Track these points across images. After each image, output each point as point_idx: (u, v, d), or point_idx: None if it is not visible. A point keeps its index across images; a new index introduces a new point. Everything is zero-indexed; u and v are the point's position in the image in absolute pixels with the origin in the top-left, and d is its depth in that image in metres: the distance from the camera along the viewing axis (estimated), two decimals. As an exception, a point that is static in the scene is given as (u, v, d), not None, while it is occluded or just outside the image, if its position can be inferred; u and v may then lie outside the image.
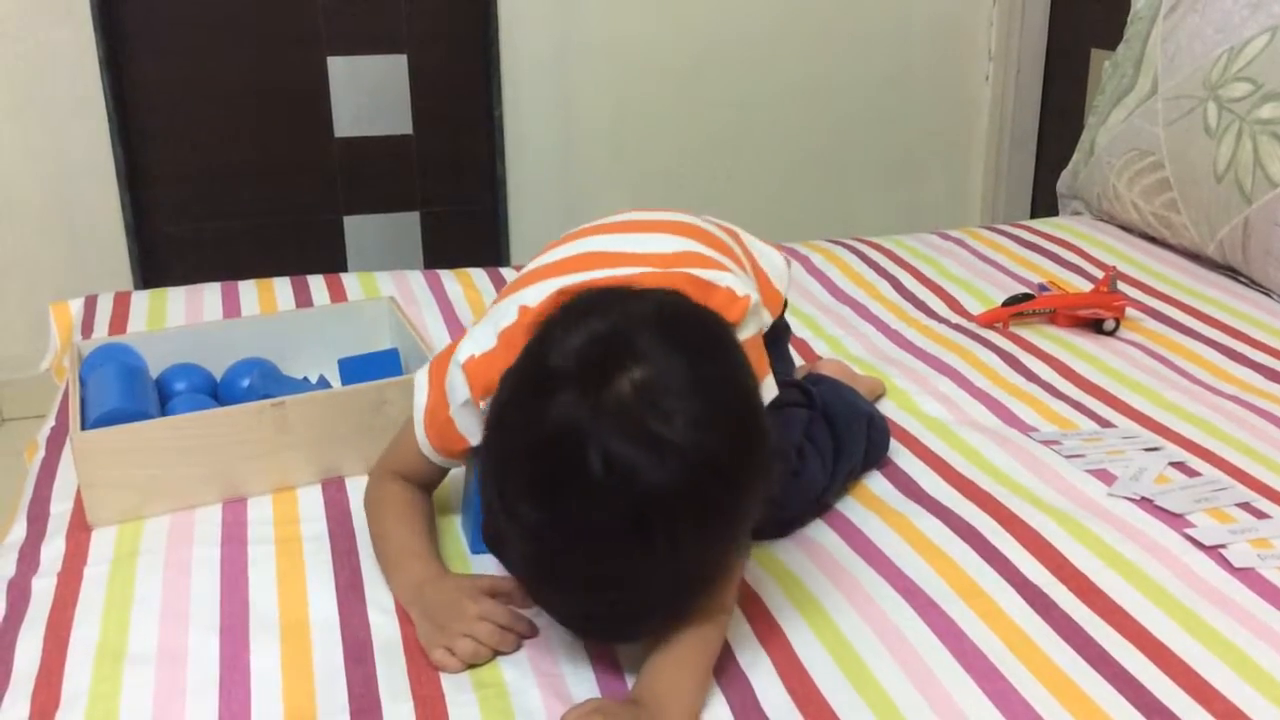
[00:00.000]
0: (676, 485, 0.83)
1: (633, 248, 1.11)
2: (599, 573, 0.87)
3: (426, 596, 1.01)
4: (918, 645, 0.98)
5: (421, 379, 1.11)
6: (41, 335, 2.58)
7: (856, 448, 1.26)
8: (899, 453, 1.30)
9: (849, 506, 1.20)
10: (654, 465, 0.82)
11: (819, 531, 1.16)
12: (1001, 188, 3.15)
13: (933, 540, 1.11)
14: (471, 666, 0.96)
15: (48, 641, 1.00)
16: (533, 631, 1.00)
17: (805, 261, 1.90)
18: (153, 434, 1.17)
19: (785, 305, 1.32)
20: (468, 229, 2.96)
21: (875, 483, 1.24)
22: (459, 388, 1.04)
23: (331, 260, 2.88)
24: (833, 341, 1.61)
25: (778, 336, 1.27)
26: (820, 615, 1.02)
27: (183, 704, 0.92)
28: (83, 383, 1.27)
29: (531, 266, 1.18)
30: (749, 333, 1.05)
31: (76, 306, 1.74)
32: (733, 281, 1.06)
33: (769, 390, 1.06)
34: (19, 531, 1.18)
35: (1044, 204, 3.07)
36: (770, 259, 1.31)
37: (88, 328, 1.66)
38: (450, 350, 1.08)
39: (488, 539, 1.00)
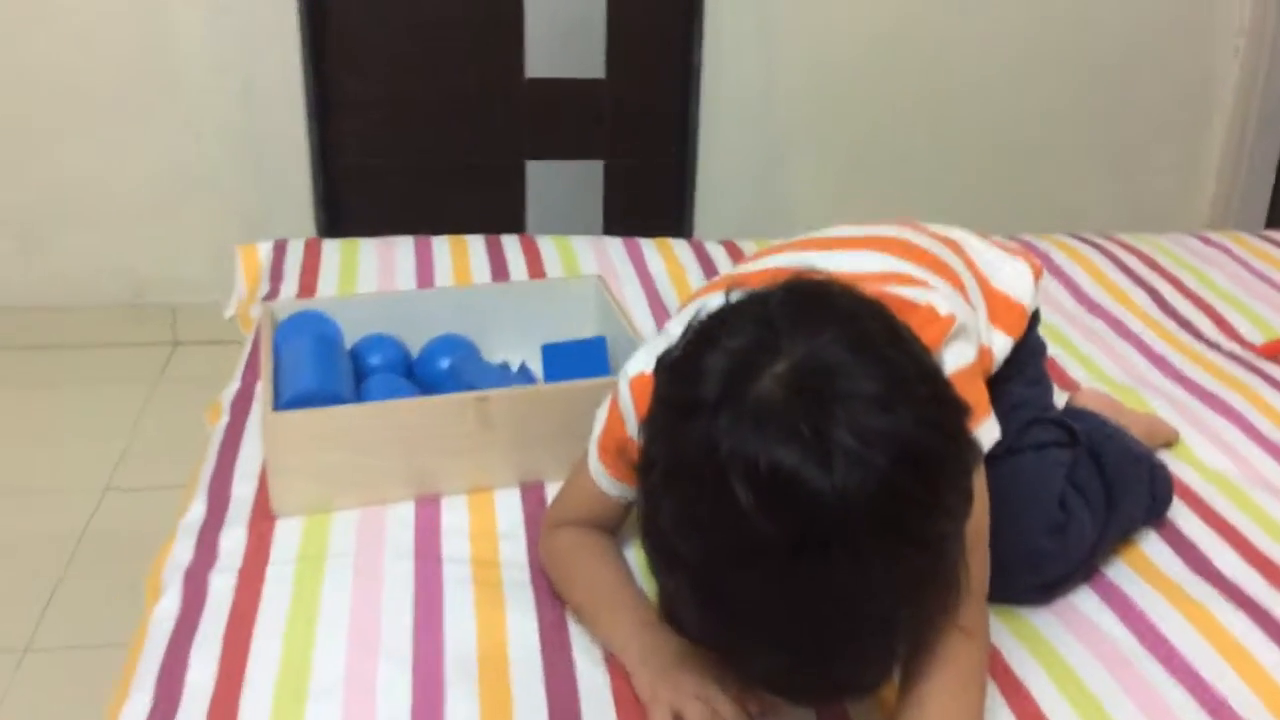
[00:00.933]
0: (846, 489, 0.68)
1: (834, 266, 0.95)
2: (776, 611, 0.72)
3: (648, 643, 0.88)
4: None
5: (602, 409, 0.97)
6: (219, 261, 2.54)
7: (1135, 501, 1.08)
8: (1180, 514, 1.11)
9: (1126, 579, 1.02)
10: (812, 470, 0.68)
11: (1091, 607, 0.99)
12: (1239, 182, 2.85)
13: (1240, 642, 0.93)
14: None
15: (225, 659, 0.90)
16: (764, 709, 0.86)
17: (1044, 258, 1.69)
18: (349, 420, 1.06)
19: (1035, 321, 1.14)
20: (653, 183, 2.82)
21: (1155, 551, 1.06)
22: (629, 407, 0.90)
23: (511, 204, 2.78)
24: (1084, 360, 1.42)
25: (1025, 359, 1.09)
26: (1093, 706, 0.85)
27: (371, 755, 0.82)
28: (276, 352, 1.17)
29: (728, 273, 1.03)
30: (956, 361, 0.89)
31: (265, 251, 1.66)
32: (936, 299, 0.91)
33: (988, 434, 0.89)
34: (198, 511, 1.10)
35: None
36: (1007, 270, 1.12)
37: (276, 276, 1.57)
38: None
39: (662, 606, 0.84)
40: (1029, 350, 1.09)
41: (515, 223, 2.81)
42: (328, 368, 1.12)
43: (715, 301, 0.82)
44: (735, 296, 0.80)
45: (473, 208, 2.78)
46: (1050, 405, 1.12)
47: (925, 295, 0.93)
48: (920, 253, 1.04)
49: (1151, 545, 1.07)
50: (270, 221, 2.57)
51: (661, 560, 0.78)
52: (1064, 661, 0.92)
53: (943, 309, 0.91)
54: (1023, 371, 1.07)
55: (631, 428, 0.91)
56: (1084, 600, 1.00)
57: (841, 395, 0.70)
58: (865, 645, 0.74)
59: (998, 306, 1.07)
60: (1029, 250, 1.18)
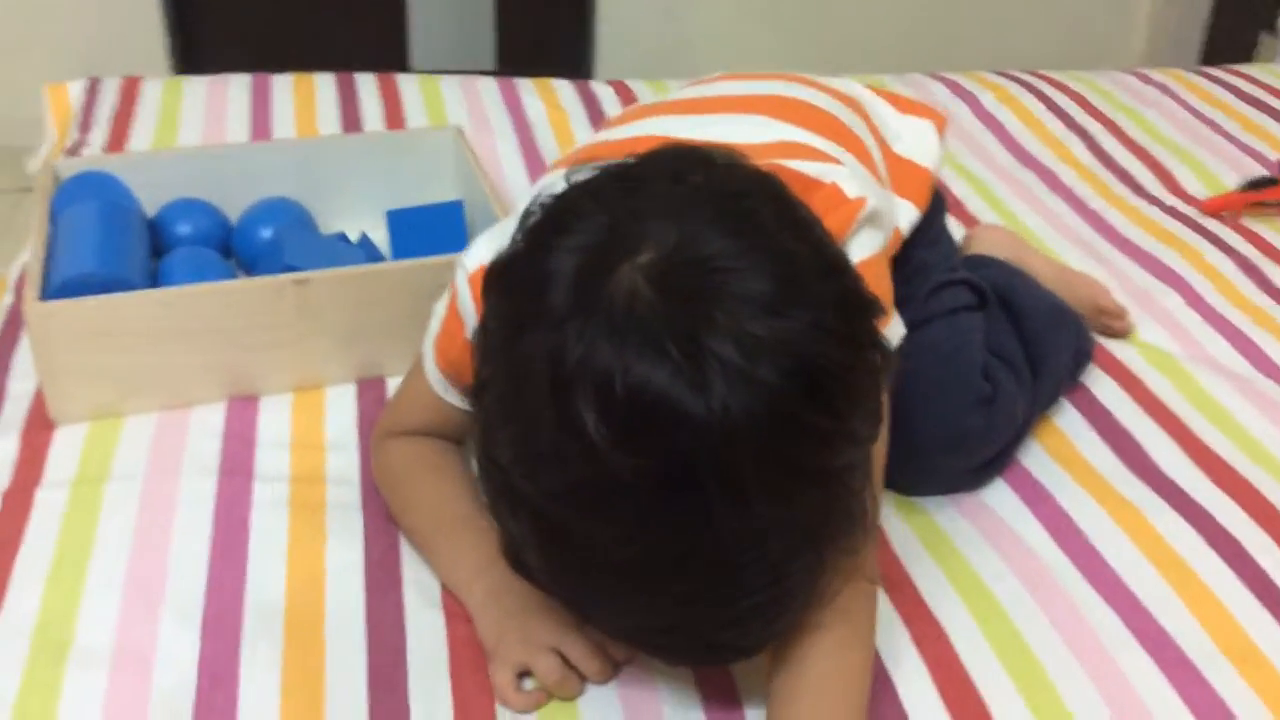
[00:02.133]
0: (726, 413, 0.53)
1: (715, 134, 0.76)
2: (639, 562, 0.58)
3: (495, 582, 0.72)
4: (1168, 726, 0.69)
5: (441, 301, 0.80)
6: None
7: (1059, 358, 0.95)
8: (1114, 397, 0.98)
9: (1051, 476, 0.89)
10: (682, 391, 0.53)
11: (1010, 509, 0.86)
12: (1173, 14, 2.68)
13: (1186, 560, 0.81)
14: (548, 701, 0.69)
15: (-28, 612, 0.73)
16: (630, 658, 0.72)
17: (972, 101, 1.52)
18: (138, 310, 0.87)
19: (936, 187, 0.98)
20: (551, 12, 2.58)
21: (1085, 441, 0.93)
22: (468, 307, 0.74)
23: (393, 36, 2.52)
24: (1009, 217, 1.26)
25: (927, 219, 0.94)
26: (1024, 656, 0.73)
27: (140, 737, 0.66)
28: (53, 223, 0.97)
29: (586, 142, 0.85)
30: (863, 251, 0.74)
31: (76, 91, 1.43)
32: (842, 177, 0.75)
33: (893, 333, 0.75)
34: (-34, 415, 0.91)
35: (1224, 39, 2.61)
36: (915, 137, 0.97)
37: (86, 123, 1.35)
38: None
39: (506, 551, 0.68)
40: (931, 209, 0.93)
41: (397, 58, 2.56)
42: (111, 243, 0.92)
43: (561, 182, 0.64)
44: (580, 176, 0.62)
45: (349, 41, 2.52)
46: (955, 264, 0.97)
47: (830, 172, 0.76)
48: (820, 117, 0.87)
49: (1080, 433, 0.93)
50: (119, 55, 2.31)
51: (501, 500, 0.63)
52: (977, 576, 0.79)
53: (850, 190, 0.74)
54: (924, 232, 0.92)
55: (471, 330, 0.74)
56: (1002, 501, 0.87)
57: (721, 294, 0.55)
58: (751, 601, 0.60)
59: (903, 173, 0.92)
60: (931, 105, 1.01)
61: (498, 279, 0.63)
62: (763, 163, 0.64)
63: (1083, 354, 1.00)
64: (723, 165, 0.63)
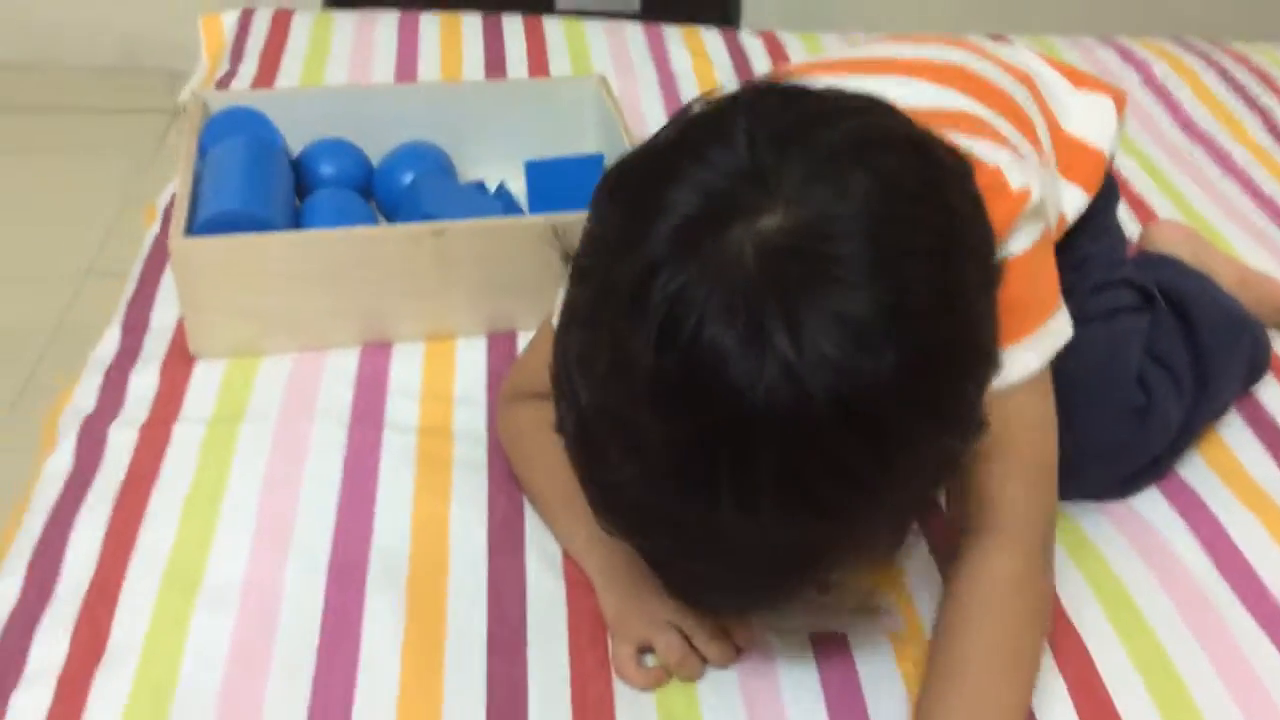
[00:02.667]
0: (770, 404, 0.51)
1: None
2: (644, 506, 0.58)
3: (612, 555, 0.71)
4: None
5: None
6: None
7: (1230, 373, 0.89)
8: (1275, 399, 0.91)
9: (1207, 483, 0.84)
10: (741, 364, 0.51)
11: (1162, 518, 0.81)
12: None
13: (1355, 592, 0.75)
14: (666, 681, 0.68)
15: (109, 541, 0.75)
16: (752, 641, 0.70)
17: (1146, 72, 1.43)
18: (279, 251, 0.88)
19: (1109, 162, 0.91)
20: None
21: (1243, 447, 0.87)
22: None
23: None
24: (1175, 197, 1.19)
25: (1095, 208, 0.87)
26: (1160, 664, 0.69)
27: (263, 681, 0.67)
28: (200, 158, 0.98)
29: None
30: (1021, 243, 0.69)
31: (230, 22, 1.44)
32: (1006, 162, 0.69)
33: (1057, 333, 0.71)
34: (110, 343, 0.93)
35: None
36: (1090, 116, 0.89)
37: (237, 55, 1.36)
38: None
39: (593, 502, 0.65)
40: (1100, 196, 0.87)
41: (544, -4, 2.54)
42: (257, 181, 0.93)
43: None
44: (747, 97, 0.59)
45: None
46: (1122, 259, 0.91)
47: (993, 153, 0.70)
48: (986, 87, 0.81)
49: (1244, 444, 0.88)
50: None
51: (560, 396, 0.61)
52: (1122, 587, 0.75)
53: (1015, 179, 0.69)
54: (1091, 221, 0.86)
55: None
56: (1153, 509, 0.82)
57: (818, 299, 0.52)
58: (757, 581, 0.61)
59: (1072, 155, 0.85)
60: (1108, 81, 0.94)
61: (619, 182, 0.60)
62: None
63: (1258, 367, 0.93)
64: (904, 155, 0.58)
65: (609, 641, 0.70)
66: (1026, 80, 0.88)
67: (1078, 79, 0.92)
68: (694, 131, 0.59)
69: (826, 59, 0.91)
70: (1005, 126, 0.78)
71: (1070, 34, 1.52)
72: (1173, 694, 0.68)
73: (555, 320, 0.77)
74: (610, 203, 0.60)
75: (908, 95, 0.74)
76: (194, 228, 0.88)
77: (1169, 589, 0.75)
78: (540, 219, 0.92)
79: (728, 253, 0.53)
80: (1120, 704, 0.68)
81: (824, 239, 0.53)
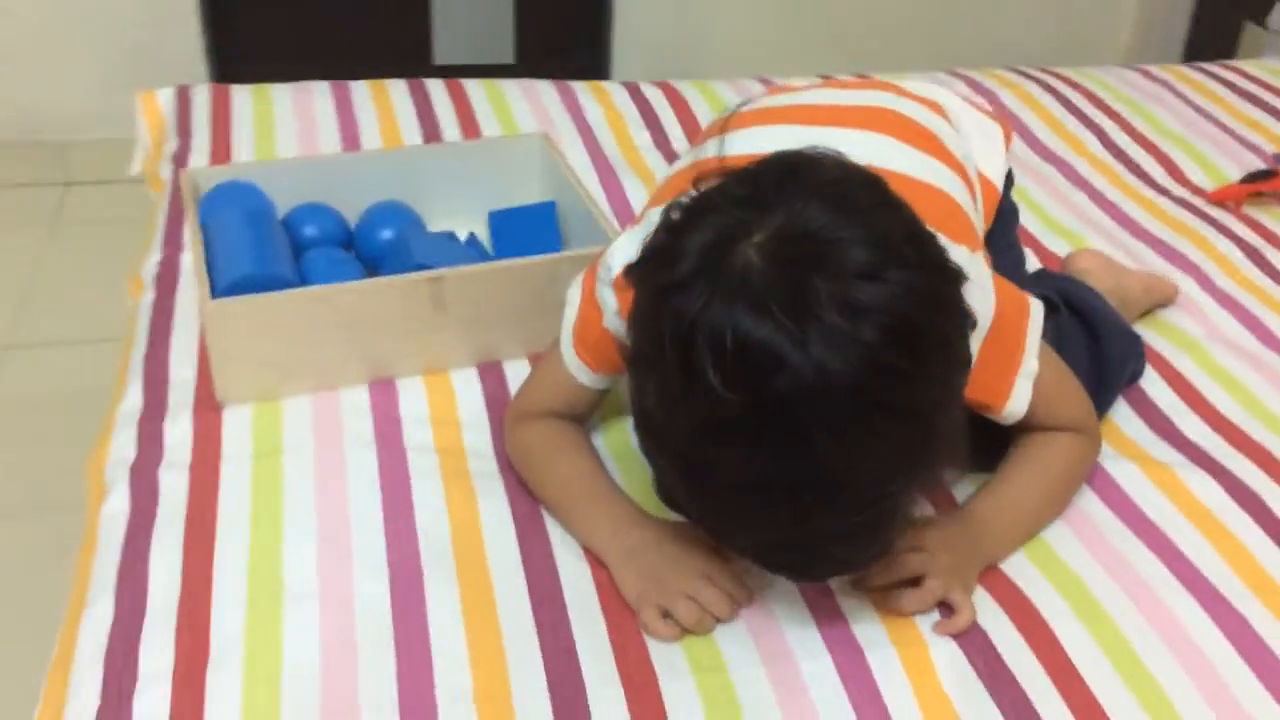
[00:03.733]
0: (825, 366, 0.66)
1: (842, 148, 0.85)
2: (755, 488, 0.71)
3: (633, 544, 0.86)
4: (1206, 649, 0.83)
5: (574, 293, 0.93)
6: (111, 95, 2.37)
7: (1122, 377, 1.07)
8: (1149, 379, 1.11)
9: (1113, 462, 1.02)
10: (784, 344, 0.66)
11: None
12: (1159, 10, 2.81)
13: (1212, 511, 0.95)
14: (686, 635, 0.82)
15: (188, 562, 0.86)
16: (750, 598, 0.85)
17: (991, 99, 1.65)
18: (295, 306, 1.00)
19: (1009, 183, 1.10)
20: (565, 5, 2.69)
21: (1123, 417, 1.06)
22: (608, 296, 0.87)
23: (417, 29, 2.63)
24: (1037, 208, 1.40)
25: (999, 226, 1.06)
26: (1087, 603, 0.86)
27: (354, 670, 0.79)
28: (205, 229, 1.09)
29: (700, 156, 0.98)
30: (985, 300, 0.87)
31: (166, 100, 1.54)
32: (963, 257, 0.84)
33: (1035, 321, 0.90)
34: (134, 398, 1.03)
35: (1205, 34, 2.74)
36: (987, 141, 1.07)
37: (184, 129, 1.46)
38: (599, 259, 0.90)
39: (657, 486, 0.83)
40: (1002, 215, 1.06)
41: (422, 49, 2.66)
42: (264, 248, 1.05)
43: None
44: (709, 183, 0.75)
45: (376, 32, 2.62)
46: (1024, 273, 1.10)
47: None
48: (916, 130, 0.98)
49: (1117, 410, 1.07)
50: (160, 49, 2.42)
51: (649, 440, 0.76)
52: (1042, 539, 0.92)
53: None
54: (993, 242, 1.04)
55: (610, 320, 0.87)
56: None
57: (823, 263, 0.67)
58: (852, 520, 0.73)
59: (983, 185, 1.03)
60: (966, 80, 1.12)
61: (644, 263, 0.76)
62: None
63: (1137, 374, 1.11)
64: (827, 162, 0.75)
65: (638, 613, 0.83)
66: (939, 109, 1.04)
67: (976, 106, 1.09)
68: (685, 212, 0.73)
69: (768, 107, 1.03)
70: (950, 182, 0.94)
71: (922, 69, 1.73)
72: (1078, 592, 0.86)
73: (565, 354, 0.91)
74: (642, 274, 0.75)
75: (872, 153, 0.86)
76: (218, 291, 0.99)
77: (1069, 522, 0.93)
78: (523, 261, 1.06)
79: (737, 267, 0.67)
80: (1034, 598, 0.85)
81: (801, 226, 0.68)
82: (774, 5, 2.69)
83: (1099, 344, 1.04)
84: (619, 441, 0.99)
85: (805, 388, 0.66)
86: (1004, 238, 1.08)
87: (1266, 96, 1.72)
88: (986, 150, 1.05)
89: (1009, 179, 1.08)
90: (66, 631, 0.84)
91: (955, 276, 0.73)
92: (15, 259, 2.20)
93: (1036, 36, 2.83)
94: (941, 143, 0.99)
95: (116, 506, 0.92)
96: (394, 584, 0.85)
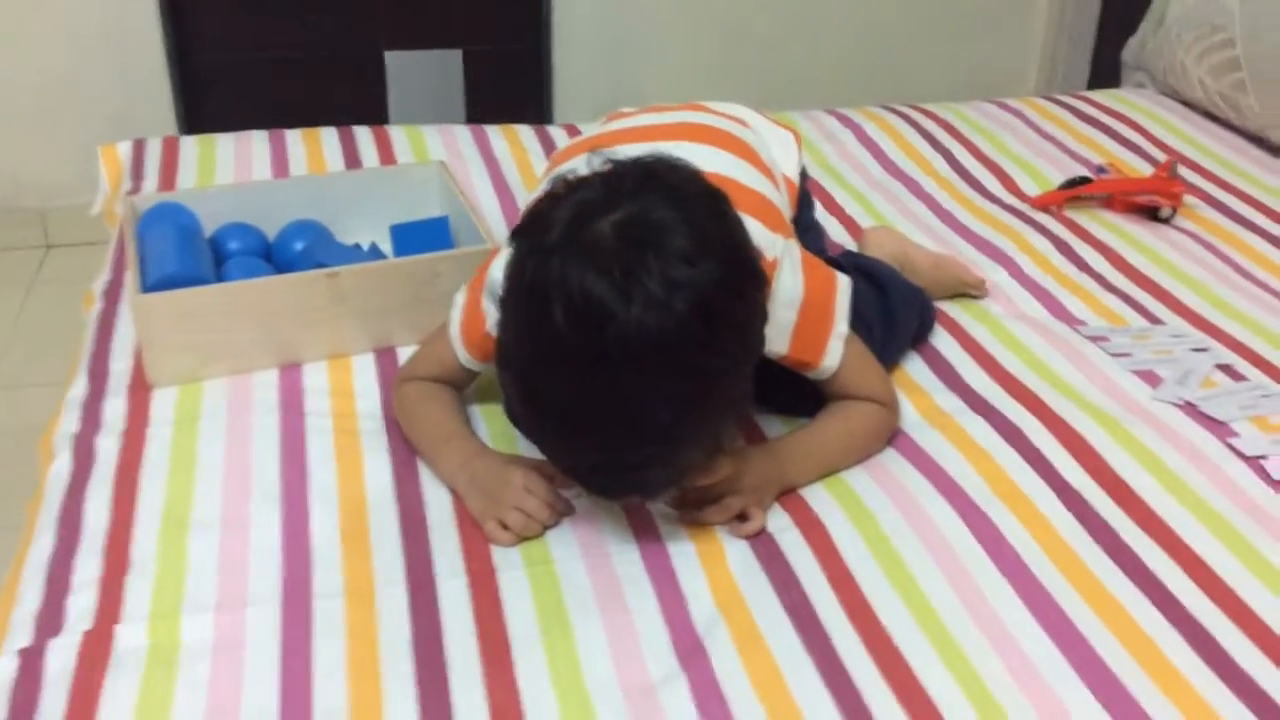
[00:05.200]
0: (642, 322, 0.84)
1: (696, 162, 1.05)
2: (575, 411, 0.89)
3: (474, 469, 1.04)
4: (956, 547, 1.00)
5: (459, 297, 1.12)
6: (88, 164, 2.58)
7: (908, 326, 1.27)
8: (944, 342, 1.30)
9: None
10: (616, 301, 0.84)
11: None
12: (1062, 50, 3.05)
13: (976, 440, 1.13)
14: (523, 540, 1.00)
15: (116, 503, 1.04)
16: (570, 509, 1.03)
17: (858, 131, 1.86)
18: (212, 299, 1.18)
19: (804, 178, 1.32)
20: (511, 71, 2.91)
21: (918, 372, 1.25)
22: (491, 310, 1.04)
23: (372, 97, 2.84)
24: (880, 219, 1.60)
25: (801, 215, 1.28)
26: (859, 509, 1.04)
27: (246, 571, 0.96)
28: (140, 241, 1.28)
29: (578, 141, 1.17)
30: (793, 281, 1.08)
31: (124, 150, 1.74)
32: (764, 239, 1.04)
33: (843, 293, 1.12)
34: (80, 386, 1.21)
35: (1106, 71, 2.97)
36: (783, 146, 1.29)
37: (138, 174, 1.66)
38: (487, 265, 1.09)
39: (505, 405, 1.04)
40: (802, 203, 1.26)
41: (378, 116, 2.87)
42: (188, 251, 1.24)
43: (578, 165, 0.98)
44: (594, 163, 0.95)
45: (334, 101, 2.83)
46: (823, 249, 1.30)
47: (754, 228, 1.02)
48: (733, 141, 1.18)
49: (915, 367, 1.26)
50: (135, 121, 2.62)
51: (502, 368, 0.95)
52: (857, 496, 1.07)
53: (768, 252, 1.03)
54: (799, 223, 1.24)
55: (491, 326, 1.04)
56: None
57: (657, 245, 0.86)
58: (649, 452, 0.91)
59: (787, 186, 1.24)
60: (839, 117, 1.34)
61: (522, 225, 0.95)
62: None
63: (925, 324, 1.31)
64: (682, 172, 0.95)
65: (481, 526, 1.01)
66: (742, 123, 1.25)
67: (769, 117, 1.31)
68: (566, 187, 0.93)
69: (612, 130, 1.25)
70: (762, 185, 1.14)
71: (803, 108, 1.94)
72: (867, 522, 1.04)
73: (453, 338, 1.10)
74: (520, 235, 0.93)
75: (692, 158, 1.05)
76: (146, 286, 1.18)
77: (872, 475, 1.10)
78: (409, 259, 1.25)
79: (593, 237, 0.86)
80: (850, 560, 1.03)
81: (649, 215, 0.88)
82: (703, 63, 2.91)
83: (885, 297, 1.23)
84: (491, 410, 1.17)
85: (624, 336, 0.85)
86: (804, 220, 1.29)
87: (1105, 119, 1.93)
88: (784, 153, 1.27)
89: (804, 174, 1.29)
90: (15, 563, 1.02)
91: (758, 279, 0.93)
92: (1, 312, 2.40)
93: (949, 81, 3.05)
94: (750, 147, 1.20)
95: (60, 468, 1.10)
96: (284, 512, 1.03)
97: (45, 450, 1.16)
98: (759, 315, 0.94)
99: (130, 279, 1.19)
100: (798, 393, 1.13)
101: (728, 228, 0.93)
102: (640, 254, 0.86)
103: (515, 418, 1.01)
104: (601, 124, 1.31)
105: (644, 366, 0.86)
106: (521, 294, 0.90)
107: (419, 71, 2.87)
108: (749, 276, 0.92)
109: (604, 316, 0.85)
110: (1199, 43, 1.95)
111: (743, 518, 1.02)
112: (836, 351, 1.09)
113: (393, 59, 2.83)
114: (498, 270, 1.04)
